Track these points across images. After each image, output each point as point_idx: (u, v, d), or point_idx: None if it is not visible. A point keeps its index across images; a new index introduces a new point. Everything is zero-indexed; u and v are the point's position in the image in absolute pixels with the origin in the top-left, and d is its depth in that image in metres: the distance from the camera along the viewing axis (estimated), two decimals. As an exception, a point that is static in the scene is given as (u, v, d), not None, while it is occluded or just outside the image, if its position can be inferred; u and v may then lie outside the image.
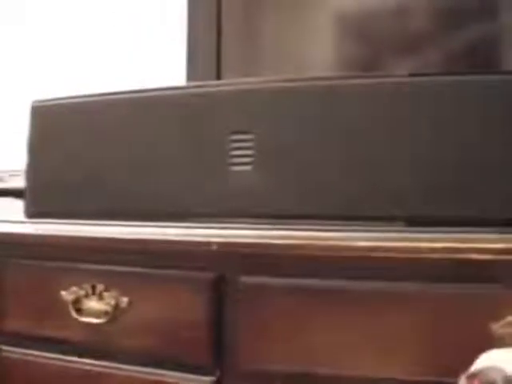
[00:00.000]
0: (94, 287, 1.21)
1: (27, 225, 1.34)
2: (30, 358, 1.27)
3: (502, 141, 1.06)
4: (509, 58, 1.31)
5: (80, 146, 1.29)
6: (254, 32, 1.49)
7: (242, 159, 1.16)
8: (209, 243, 1.11)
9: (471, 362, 0.89)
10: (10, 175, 1.90)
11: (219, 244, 1.11)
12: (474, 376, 0.81)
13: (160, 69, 1.77)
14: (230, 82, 1.20)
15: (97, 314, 1.21)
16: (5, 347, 1.30)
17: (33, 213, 1.32)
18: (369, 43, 1.40)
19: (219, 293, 1.13)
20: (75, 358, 1.23)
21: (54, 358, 1.25)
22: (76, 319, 1.22)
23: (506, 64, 1.32)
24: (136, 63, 1.84)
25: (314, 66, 1.45)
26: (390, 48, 1.39)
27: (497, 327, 0.97)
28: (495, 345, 0.93)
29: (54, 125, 1.32)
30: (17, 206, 1.74)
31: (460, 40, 1.32)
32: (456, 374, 0.96)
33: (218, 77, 1.46)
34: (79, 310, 1.23)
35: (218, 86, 1.21)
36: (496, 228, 1.05)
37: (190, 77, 1.49)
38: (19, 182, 1.80)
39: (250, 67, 1.49)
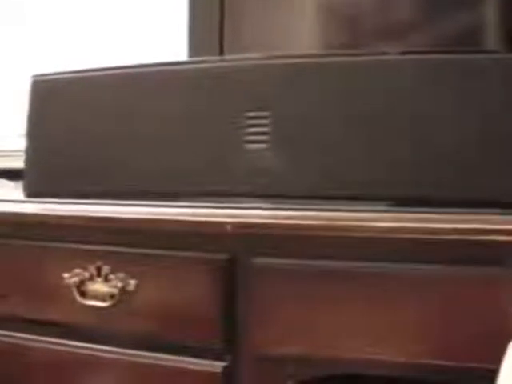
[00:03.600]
0: (99, 269, 1.17)
1: (28, 204, 1.30)
2: (31, 342, 1.23)
3: (503, 119, 1.03)
4: (492, 43, 1.29)
5: (84, 122, 1.24)
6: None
7: (257, 137, 1.12)
8: (223, 223, 1.08)
9: (495, 346, 0.87)
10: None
11: (233, 224, 1.07)
12: None
13: (161, 42, 1.74)
14: (247, 57, 1.16)
15: (102, 297, 1.17)
16: (5, 332, 1.26)
17: (33, 192, 1.27)
18: (354, 27, 1.38)
19: (232, 275, 1.09)
20: (79, 343, 1.19)
21: (56, 343, 1.21)
22: (80, 302, 1.18)
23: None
24: (136, 38, 1.81)
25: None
26: (374, 32, 1.37)
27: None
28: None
29: (55, 100, 1.27)
30: (8, 187, 1.70)
31: (445, 25, 1.30)
32: (479, 359, 0.95)
33: (221, 51, 1.42)
34: (83, 293, 1.19)
35: (234, 60, 1.17)
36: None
37: (191, 51, 1.45)
38: (9, 163, 1.77)
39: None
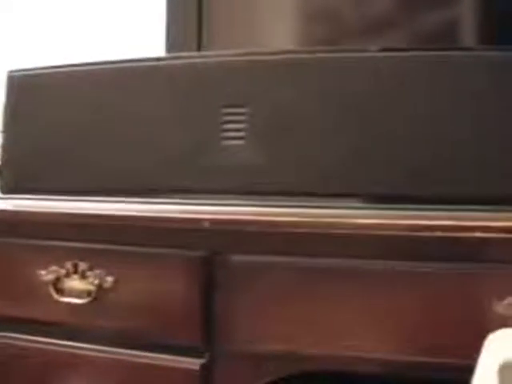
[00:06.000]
0: (75, 266, 1.17)
1: (4, 201, 1.29)
2: (7, 340, 1.22)
3: (491, 115, 1.04)
4: (470, 40, 1.30)
5: (61, 118, 1.23)
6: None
7: (234, 133, 1.12)
8: (200, 220, 1.07)
9: (474, 342, 0.87)
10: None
11: (211, 221, 1.07)
12: None
13: (139, 38, 1.74)
14: (224, 54, 1.16)
15: (79, 294, 1.16)
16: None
17: (10, 188, 1.26)
18: (331, 23, 1.38)
19: (210, 271, 1.09)
20: (55, 341, 1.18)
21: (33, 341, 1.20)
22: (56, 300, 1.17)
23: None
24: (114, 33, 1.80)
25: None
26: (352, 29, 1.37)
27: (499, 307, 0.95)
28: (498, 325, 0.91)
29: (31, 96, 1.26)
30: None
31: (424, 21, 1.31)
32: (458, 354, 0.95)
33: (199, 47, 1.41)
34: (60, 290, 1.18)
35: (210, 57, 1.17)
36: (488, 206, 1.03)
37: (169, 47, 1.44)
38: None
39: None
